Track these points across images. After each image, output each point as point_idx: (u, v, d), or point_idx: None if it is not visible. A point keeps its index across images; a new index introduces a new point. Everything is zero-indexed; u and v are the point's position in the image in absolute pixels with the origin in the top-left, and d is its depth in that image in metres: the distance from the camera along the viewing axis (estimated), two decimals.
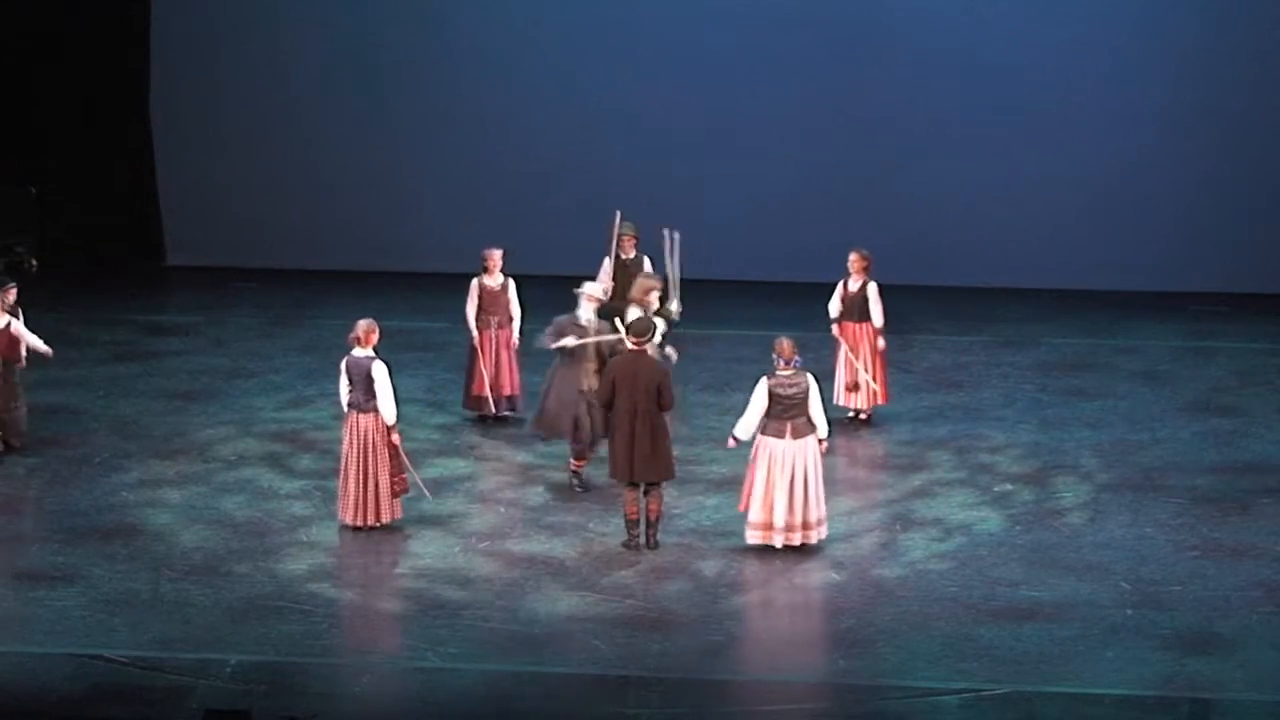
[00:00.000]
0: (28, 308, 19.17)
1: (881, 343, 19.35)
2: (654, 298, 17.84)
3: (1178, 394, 20.93)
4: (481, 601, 15.37)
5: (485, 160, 25.92)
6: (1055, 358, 22.32)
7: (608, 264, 19.71)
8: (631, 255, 19.69)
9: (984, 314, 24.18)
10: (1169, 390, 21.07)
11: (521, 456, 18.77)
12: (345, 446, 16.72)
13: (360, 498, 16.67)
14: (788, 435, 16.14)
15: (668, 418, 16.43)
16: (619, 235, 19.65)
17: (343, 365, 16.78)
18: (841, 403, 19.36)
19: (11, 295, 18.71)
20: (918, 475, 18.31)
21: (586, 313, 17.70)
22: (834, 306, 19.45)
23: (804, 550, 16.26)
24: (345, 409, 16.78)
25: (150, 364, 22.01)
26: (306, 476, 18.12)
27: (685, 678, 14.19)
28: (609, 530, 16.85)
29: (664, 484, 16.53)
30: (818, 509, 16.30)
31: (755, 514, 16.26)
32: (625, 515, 16.52)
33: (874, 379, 19.28)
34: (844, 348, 19.31)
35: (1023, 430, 19.64)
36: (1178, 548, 16.47)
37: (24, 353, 18.80)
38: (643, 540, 16.42)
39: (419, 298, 23.26)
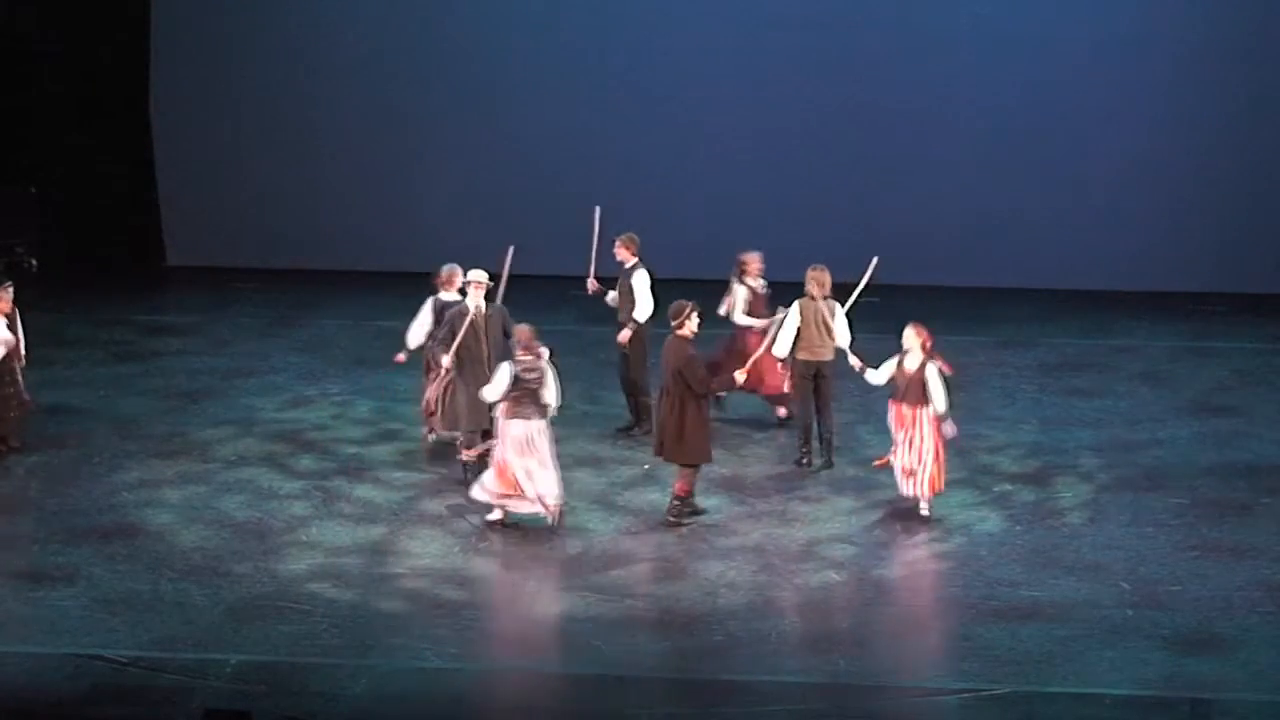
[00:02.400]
0: (28, 308, 19.16)
1: (949, 430, 16.91)
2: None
3: (1178, 394, 20.93)
4: (481, 601, 15.36)
5: (486, 160, 25.93)
6: (1055, 358, 22.32)
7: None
8: (631, 264, 19.51)
9: (984, 314, 24.19)
10: (1169, 390, 21.07)
11: None
12: (431, 376, 18.29)
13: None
14: (532, 416, 16.70)
15: None
16: (615, 241, 19.47)
17: (429, 305, 18.53)
18: (904, 490, 17.08)
19: (9, 295, 18.67)
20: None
21: (475, 300, 17.92)
22: (881, 377, 17.16)
23: (803, 550, 16.28)
24: (420, 344, 18.41)
25: (150, 364, 22.02)
26: (306, 476, 18.12)
27: (685, 678, 14.19)
28: (609, 530, 16.86)
29: (698, 466, 16.86)
30: (551, 486, 16.73)
31: (493, 484, 16.76)
32: None
33: (933, 466, 16.93)
34: (902, 433, 16.98)
35: (1023, 430, 19.63)
36: (1178, 548, 16.46)
37: (24, 352, 18.79)
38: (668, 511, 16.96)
39: (419, 298, 23.24)
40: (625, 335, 19.11)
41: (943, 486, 17.03)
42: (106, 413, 20.05)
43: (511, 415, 16.76)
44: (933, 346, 16.92)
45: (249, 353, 22.43)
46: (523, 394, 16.74)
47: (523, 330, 16.89)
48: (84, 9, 26.29)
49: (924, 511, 16.98)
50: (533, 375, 16.75)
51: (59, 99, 26.30)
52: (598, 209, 19.42)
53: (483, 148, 25.97)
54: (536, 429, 16.76)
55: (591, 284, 19.54)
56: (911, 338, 16.92)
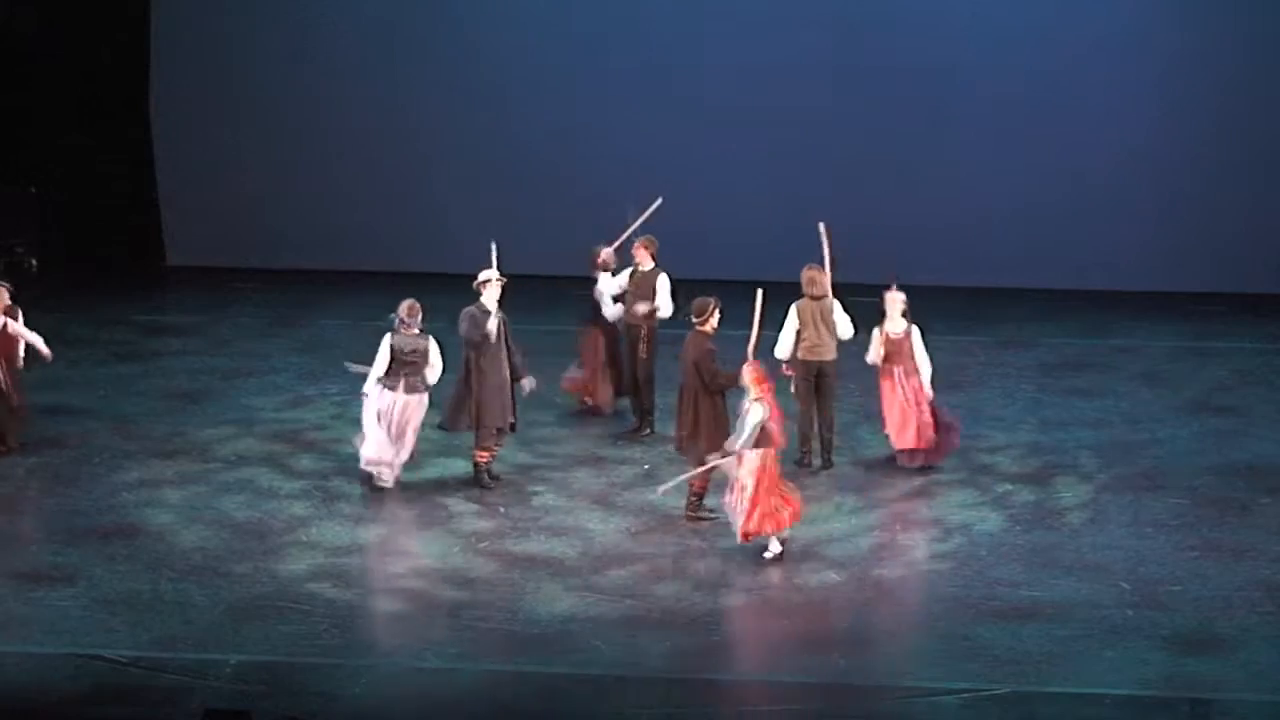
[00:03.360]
0: (28, 308, 19.15)
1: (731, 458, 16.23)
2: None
3: (1178, 394, 20.94)
4: (481, 601, 15.36)
5: (487, 160, 25.94)
6: (1055, 358, 22.33)
7: (624, 276, 19.52)
8: (649, 267, 19.46)
9: (984, 314, 24.19)
10: (1169, 390, 21.08)
11: (521, 456, 18.76)
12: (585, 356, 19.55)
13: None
14: (400, 389, 17.32)
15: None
16: (634, 242, 19.48)
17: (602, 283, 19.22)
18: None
19: (6, 296, 18.63)
20: (918, 475, 18.28)
21: (490, 300, 17.93)
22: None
23: (803, 550, 16.29)
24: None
25: (150, 364, 22.02)
26: (306, 476, 18.12)
27: (685, 678, 14.18)
28: (609, 529, 16.85)
29: (715, 461, 16.66)
30: (387, 455, 17.48)
31: (370, 451, 17.49)
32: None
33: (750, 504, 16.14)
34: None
35: (1023, 430, 19.63)
36: (1178, 548, 16.47)
37: (22, 353, 18.77)
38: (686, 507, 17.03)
39: (419, 298, 23.26)
40: (645, 346, 19.22)
41: (765, 529, 15.98)
42: (106, 413, 20.05)
43: (386, 386, 17.27)
44: (770, 389, 16.15)
45: (249, 353, 22.43)
46: (401, 368, 17.19)
47: (405, 305, 17.27)
48: (84, 9, 26.30)
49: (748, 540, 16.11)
50: (413, 351, 17.17)
51: (59, 99, 26.30)
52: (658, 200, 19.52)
53: (484, 147, 25.98)
54: (410, 403, 17.24)
55: (609, 252, 19.53)
56: (748, 376, 16.15)
